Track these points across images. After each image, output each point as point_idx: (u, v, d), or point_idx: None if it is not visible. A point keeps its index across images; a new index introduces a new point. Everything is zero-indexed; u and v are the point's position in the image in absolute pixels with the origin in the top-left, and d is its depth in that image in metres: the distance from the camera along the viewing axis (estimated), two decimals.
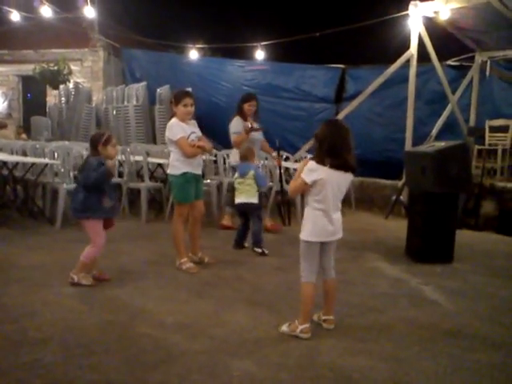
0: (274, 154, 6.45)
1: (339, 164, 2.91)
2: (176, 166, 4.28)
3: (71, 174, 6.30)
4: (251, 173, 5.11)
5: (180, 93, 4.40)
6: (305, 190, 3.00)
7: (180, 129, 4.23)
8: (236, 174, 5.30)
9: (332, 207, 2.98)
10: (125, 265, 4.42)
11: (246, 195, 5.10)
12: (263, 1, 15.07)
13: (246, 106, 5.84)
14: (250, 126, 5.59)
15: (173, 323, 3.12)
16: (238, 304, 3.52)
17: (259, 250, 4.98)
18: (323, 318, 3.16)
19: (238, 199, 5.16)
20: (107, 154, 3.75)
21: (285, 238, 5.95)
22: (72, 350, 2.67)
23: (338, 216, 3.05)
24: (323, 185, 2.92)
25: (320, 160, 2.92)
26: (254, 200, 5.11)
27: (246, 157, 5.30)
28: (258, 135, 5.90)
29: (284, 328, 3.03)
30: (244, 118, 5.82)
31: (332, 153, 2.90)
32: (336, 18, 10.92)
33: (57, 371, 2.44)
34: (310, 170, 2.93)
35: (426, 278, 4.34)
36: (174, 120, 4.28)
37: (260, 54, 11.77)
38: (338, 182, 2.96)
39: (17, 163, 6.54)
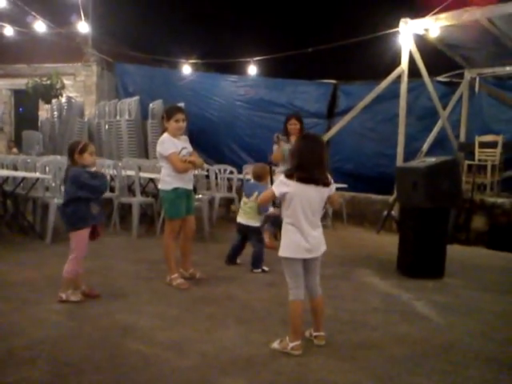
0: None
1: (306, 177, 2.92)
2: (167, 181, 4.28)
3: (62, 189, 6.26)
4: (255, 195, 4.95)
5: (172, 108, 4.42)
6: (271, 200, 3.15)
7: (171, 144, 4.23)
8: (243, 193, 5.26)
9: (305, 223, 2.95)
10: (115, 280, 4.38)
11: (247, 217, 5.03)
12: (256, 17, 15.25)
13: (288, 126, 6.04)
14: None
15: (164, 340, 3.09)
16: (229, 320, 3.50)
17: (258, 271, 4.95)
18: (314, 334, 3.15)
19: (239, 219, 5.11)
20: (84, 163, 3.73)
21: (276, 253, 5.93)
22: (61, 368, 2.63)
23: (316, 234, 3.01)
24: (291, 199, 2.94)
25: (289, 174, 2.96)
26: (254, 223, 5.02)
27: (258, 176, 5.21)
28: None
29: (275, 345, 3.01)
30: (287, 136, 6.06)
31: (300, 166, 2.93)
32: (328, 34, 11.05)
33: None
34: (280, 183, 2.98)
35: (418, 293, 4.35)
36: (165, 135, 4.29)
37: (252, 70, 11.86)
38: (309, 196, 2.94)
39: (7, 177, 6.51)
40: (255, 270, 4.95)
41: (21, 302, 3.67)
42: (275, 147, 6.07)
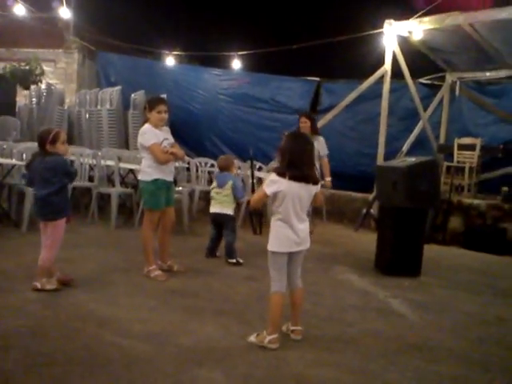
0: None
1: (298, 176, 2.96)
2: (147, 172, 4.24)
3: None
4: (229, 183, 5.09)
5: (154, 99, 4.38)
6: (265, 201, 3.06)
7: (153, 135, 4.20)
8: (213, 184, 5.28)
9: (294, 218, 3.01)
10: (92, 271, 4.33)
11: (221, 206, 5.09)
12: (241, 11, 15.17)
13: (299, 124, 6.09)
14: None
15: (140, 332, 3.07)
16: (206, 313, 3.49)
17: (233, 261, 4.96)
18: (291, 328, 3.16)
19: (213, 209, 5.15)
20: (58, 152, 3.68)
21: (255, 247, 5.94)
22: (34, 358, 2.59)
23: (303, 227, 3.07)
24: (283, 197, 2.97)
25: (281, 172, 2.98)
26: (229, 211, 5.10)
27: (225, 167, 5.28)
28: None
29: (252, 338, 3.02)
30: None
31: (292, 165, 2.96)
32: (313, 32, 11.10)
33: (16, 381, 2.36)
34: (271, 182, 3.00)
35: (394, 291, 4.40)
36: (146, 126, 4.25)
37: (236, 64, 11.82)
38: (300, 193, 2.99)
39: None
40: (230, 260, 4.98)
41: None
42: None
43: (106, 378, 2.43)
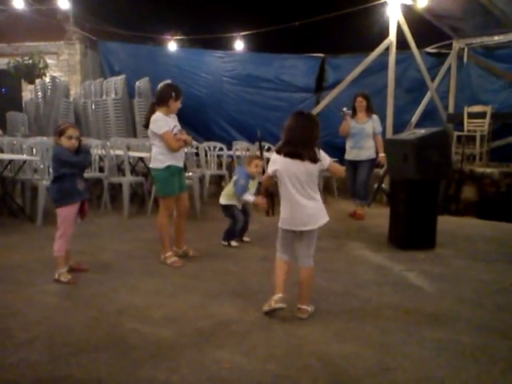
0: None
1: (291, 152, 2.99)
2: (160, 159, 4.25)
3: (51, 170, 6.19)
4: (234, 178, 5.17)
5: (180, 89, 4.44)
6: (271, 181, 3.19)
7: (165, 123, 4.22)
8: None
9: (297, 195, 3.03)
10: (109, 260, 4.38)
11: (223, 197, 5.14)
12: None
13: (356, 104, 6.52)
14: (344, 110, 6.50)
15: (160, 318, 3.11)
16: (224, 296, 3.52)
17: (225, 243, 5.04)
18: (298, 306, 3.19)
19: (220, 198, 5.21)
20: (62, 145, 3.76)
21: (269, 229, 5.96)
22: (59, 348, 2.65)
23: (311, 204, 3.07)
24: (281, 175, 3.04)
25: (278, 149, 3.06)
26: (223, 202, 5.12)
27: (245, 162, 5.46)
28: None
29: (265, 308, 3.12)
30: (354, 113, 6.55)
31: (288, 142, 3.01)
32: (315, 7, 10.87)
33: (44, 371, 2.41)
34: (272, 161, 3.08)
35: (410, 265, 4.40)
36: (158, 114, 4.26)
37: (239, 45, 11.69)
38: (296, 171, 3.01)
39: None
40: (222, 242, 5.04)
41: (14, 284, 3.66)
42: (343, 122, 6.56)
43: (130, 365, 2.48)
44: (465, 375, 2.47)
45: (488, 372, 2.52)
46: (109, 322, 3.02)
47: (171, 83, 4.68)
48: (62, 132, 3.74)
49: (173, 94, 4.29)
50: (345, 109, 6.51)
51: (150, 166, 4.46)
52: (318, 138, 3.08)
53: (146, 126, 4.33)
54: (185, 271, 4.11)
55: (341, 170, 3.33)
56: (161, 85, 4.63)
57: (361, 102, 6.49)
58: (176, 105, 4.31)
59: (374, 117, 6.54)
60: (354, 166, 6.56)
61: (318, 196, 3.13)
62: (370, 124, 6.51)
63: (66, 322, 3.00)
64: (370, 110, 6.53)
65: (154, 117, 4.26)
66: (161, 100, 4.33)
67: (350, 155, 6.62)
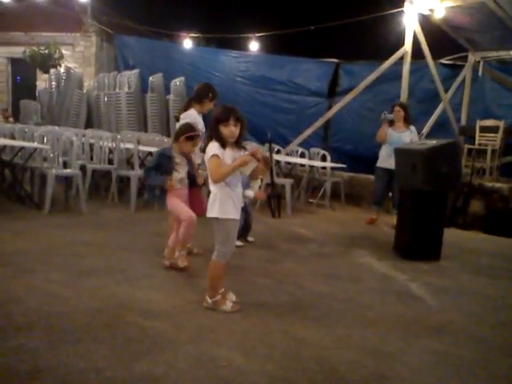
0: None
1: None
2: None
3: (60, 160, 6.23)
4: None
5: (217, 92, 4.62)
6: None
7: (200, 121, 4.47)
8: None
9: None
10: (113, 253, 4.39)
11: None
12: None
13: (393, 113, 6.54)
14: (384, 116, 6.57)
15: (160, 312, 3.11)
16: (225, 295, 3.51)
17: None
18: None
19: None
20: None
21: (274, 230, 5.97)
22: (58, 336, 2.65)
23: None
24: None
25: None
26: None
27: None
28: None
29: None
30: (392, 121, 6.57)
31: None
32: (331, 13, 10.88)
33: (42, 357, 2.42)
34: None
35: (413, 275, 4.38)
36: (194, 111, 4.50)
37: (254, 46, 11.72)
38: None
39: (5, 146, 6.45)
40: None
41: (17, 270, 3.68)
42: (381, 127, 6.59)
43: (128, 357, 2.48)
44: None
45: None
46: (109, 313, 3.03)
47: (210, 84, 4.81)
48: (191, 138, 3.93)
49: (210, 95, 4.51)
50: (385, 113, 6.50)
51: None
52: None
53: (178, 119, 4.51)
54: (187, 268, 4.11)
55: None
56: (199, 83, 4.78)
57: (398, 112, 6.47)
58: (209, 105, 4.50)
59: (413, 128, 6.55)
60: (389, 174, 6.42)
61: (212, 188, 3.11)
62: (408, 134, 6.46)
63: (67, 311, 3.01)
64: (407, 121, 6.51)
65: (191, 113, 4.45)
66: (198, 97, 4.52)
67: (385, 163, 6.49)
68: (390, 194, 6.84)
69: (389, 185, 6.59)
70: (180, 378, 2.33)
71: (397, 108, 6.50)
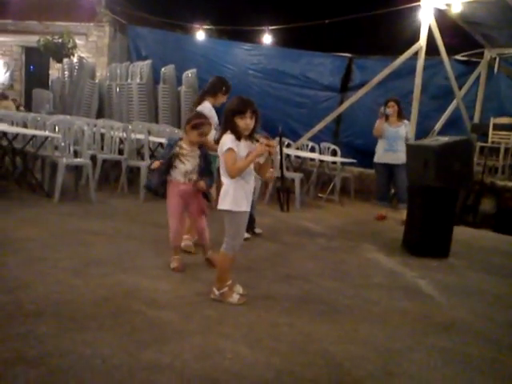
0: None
1: None
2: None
3: (71, 149, 6.26)
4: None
5: (230, 85, 4.71)
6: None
7: (214, 112, 4.54)
8: None
9: None
10: (121, 242, 4.41)
11: None
12: None
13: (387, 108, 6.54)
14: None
15: (167, 302, 3.12)
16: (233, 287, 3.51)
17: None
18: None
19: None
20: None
21: (282, 224, 5.95)
22: (65, 323, 2.67)
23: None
24: None
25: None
26: None
27: None
28: None
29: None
30: (386, 117, 6.55)
31: None
32: (346, 6, 10.78)
33: (49, 343, 2.43)
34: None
35: (422, 272, 4.35)
36: (208, 103, 4.56)
37: (267, 38, 11.66)
38: None
39: (17, 134, 6.50)
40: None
41: (27, 257, 3.70)
42: (378, 121, 6.57)
43: (134, 346, 2.49)
44: None
45: None
46: (116, 302, 3.04)
47: (223, 77, 4.90)
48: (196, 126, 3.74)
49: (223, 88, 4.60)
50: (384, 107, 6.49)
51: None
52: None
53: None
54: (195, 259, 4.12)
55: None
56: (213, 76, 4.86)
57: (393, 107, 6.49)
58: (223, 98, 4.57)
59: (407, 122, 6.62)
60: (389, 169, 6.47)
61: (225, 180, 3.10)
62: (404, 128, 6.51)
63: (75, 299, 3.03)
64: (400, 115, 6.54)
65: (207, 105, 4.52)
66: (212, 90, 4.61)
67: (384, 158, 6.51)
68: (393, 190, 6.81)
69: (390, 180, 6.57)
70: (186, 368, 2.34)
71: (391, 103, 6.51)
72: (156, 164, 3.76)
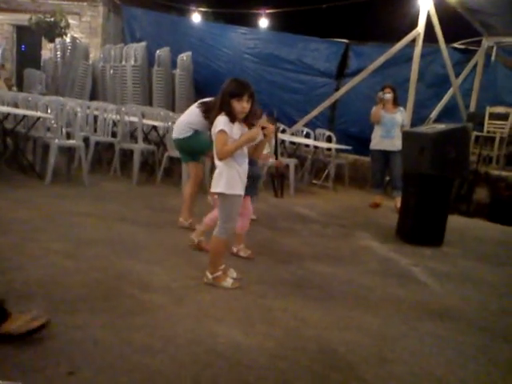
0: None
1: None
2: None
3: (64, 131, 6.16)
4: None
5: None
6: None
7: None
8: None
9: None
10: (113, 225, 4.36)
11: None
12: None
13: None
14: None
15: (160, 286, 3.09)
16: (227, 271, 3.48)
17: None
18: None
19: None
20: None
21: (276, 210, 5.93)
22: (57, 306, 2.63)
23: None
24: None
25: None
26: None
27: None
28: None
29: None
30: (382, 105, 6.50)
31: None
32: None
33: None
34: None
35: (416, 259, 4.35)
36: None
37: (263, 22, 11.52)
38: None
39: (8, 114, 6.38)
40: None
41: (18, 238, 3.64)
42: (376, 106, 6.54)
43: (126, 330, 2.46)
44: (463, 374, 2.43)
45: (487, 373, 2.48)
46: (108, 285, 3.00)
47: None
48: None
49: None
50: (382, 92, 6.44)
51: (187, 135, 4.34)
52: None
53: None
54: (188, 243, 4.08)
55: None
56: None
57: (388, 93, 6.45)
58: None
59: (402, 108, 6.60)
60: (385, 156, 6.45)
61: (218, 163, 3.04)
62: (400, 115, 6.50)
63: (66, 281, 2.98)
64: (396, 102, 6.52)
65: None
66: None
67: (380, 145, 6.48)
68: (388, 177, 6.80)
69: (386, 167, 6.55)
70: (178, 352, 2.31)
71: (387, 90, 6.47)
72: None
